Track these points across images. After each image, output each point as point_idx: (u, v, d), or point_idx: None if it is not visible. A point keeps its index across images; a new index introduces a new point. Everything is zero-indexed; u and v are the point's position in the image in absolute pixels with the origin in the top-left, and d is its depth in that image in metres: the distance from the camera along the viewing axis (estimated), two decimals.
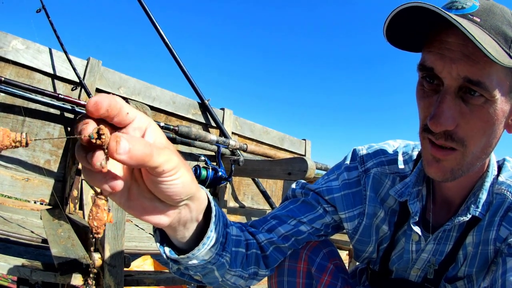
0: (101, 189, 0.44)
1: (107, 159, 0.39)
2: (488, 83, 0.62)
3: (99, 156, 0.39)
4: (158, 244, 0.64)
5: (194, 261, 0.64)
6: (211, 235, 0.64)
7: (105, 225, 0.43)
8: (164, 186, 0.47)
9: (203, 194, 0.60)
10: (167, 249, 0.64)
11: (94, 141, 0.38)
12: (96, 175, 0.43)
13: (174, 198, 0.50)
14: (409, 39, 0.71)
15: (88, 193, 2.21)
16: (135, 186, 0.50)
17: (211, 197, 0.64)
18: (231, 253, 0.73)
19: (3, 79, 1.75)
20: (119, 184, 0.43)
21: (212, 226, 0.63)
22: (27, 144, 0.38)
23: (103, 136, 0.38)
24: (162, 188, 0.47)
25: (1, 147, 0.37)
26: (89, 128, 0.39)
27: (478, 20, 0.63)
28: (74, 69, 2.25)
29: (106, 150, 0.39)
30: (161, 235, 0.64)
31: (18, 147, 0.38)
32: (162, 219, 0.53)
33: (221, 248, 0.69)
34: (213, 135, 2.49)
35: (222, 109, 3.15)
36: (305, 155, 3.84)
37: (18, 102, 2.06)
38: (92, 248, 1.22)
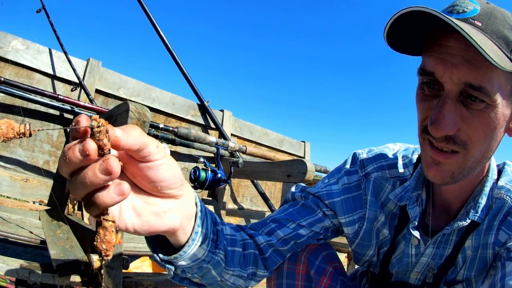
0: (106, 210, 0.43)
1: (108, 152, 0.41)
2: (489, 88, 0.62)
3: (93, 145, 0.40)
4: (152, 252, 0.65)
5: (188, 261, 0.65)
6: (199, 230, 0.64)
7: (114, 247, 0.43)
8: (156, 171, 0.48)
9: (191, 189, 0.62)
10: (160, 254, 0.64)
11: (96, 128, 0.39)
12: (102, 192, 0.42)
13: (170, 184, 0.51)
14: (410, 43, 0.71)
15: None
16: (137, 200, 0.51)
17: (195, 193, 0.65)
18: (226, 252, 0.73)
19: (2, 79, 1.75)
20: (126, 187, 0.43)
21: (198, 221, 0.63)
22: (30, 135, 0.39)
23: (101, 127, 0.39)
24: (155, 173, 0.48)
25: (6, 139, 0.38)
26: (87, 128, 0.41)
27: (480, 24, 0.63)
28: (74, 70, 2.25)
29: (104, 143, 0.40)
30: (153, 243, 0.65)
31: (22, 137, 0.39)
32: (174, 218, 0.55)
33: (213, 245, 0.69)
34: (213, 137, 2.49)
35: (222, 110, 3.15)
36: (304, 157, 3.84)
37: (18, 102, 2.06)
38: (93, 254, 1.21)
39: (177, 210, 0.55)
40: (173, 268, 0.66)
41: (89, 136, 0.40)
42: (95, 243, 0.42)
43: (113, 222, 0.43)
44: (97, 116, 0.40)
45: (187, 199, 0.58)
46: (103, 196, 0.42)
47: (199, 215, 0.63)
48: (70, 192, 0.46)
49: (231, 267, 0.76)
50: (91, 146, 0.39)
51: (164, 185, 0.51)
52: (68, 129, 0.40)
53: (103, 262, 0.44)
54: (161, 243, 0.65)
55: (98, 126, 0.39)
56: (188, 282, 0.75)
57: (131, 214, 0.50)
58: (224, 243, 0.74)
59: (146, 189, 0.51)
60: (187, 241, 0.62)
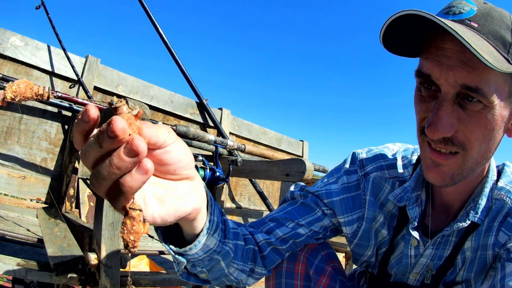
0: (132, 198, 0.41)
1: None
2: (486, 89, 0.62)
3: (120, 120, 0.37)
4: (163, 243, 0.64)
5: (200, 253, 0.64)
6: (212, 219, 0.64)
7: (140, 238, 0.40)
8: (171, 154, 0.47)
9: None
10: (172, 246, 0.63)
11: (116, 104, 0.37)
12: (126, 177, 0.40)
13: (187, 163, 0.51)
14: (406, 45, 0.71)
15: (85, 192, 2.20)
16: (157, 188, 0.50)
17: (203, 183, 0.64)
18: (232, 242, 0.73)
19: (1, 75, 1.74)
20: (149, 164, 0.40)
21: (210, 209, 0.63)
22: (48, 98, 0.38)
23: (120, 103, 0.37)
24: (172, 156, 0.48)
25: (23, 98, 0.37)
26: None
27: (476, 25, 0.63)
28: (73, 67, 2.24)
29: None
30: (164, 234, 0.64)
31: (40, 100, 0.38)
32: (195, 198, 0.55)
33: (222, 235, 0.69)
34: (211, 135, 2.48)
35: (220, 109, 3.14)
36: (302, 156, 3.84)
37: None
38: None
39: (196, 191, 0.55)
40: (184, 261, 0.65)
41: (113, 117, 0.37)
42: (121, 234, 0.39)
43: (140, 210, 0.41)
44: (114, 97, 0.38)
45: (199, 181, 0.57)
46: (128, 181, 0.39)
47: (210, 203, 0.63)
48: (92, 188, 0.44)
49: (236, 260, 0.76)
50: (121, 124, 0.36)
51: (183, 165, 0.50)
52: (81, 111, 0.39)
53: (129, 254, 0.41)
54: (171, 239, 0.65)
55: (120, 102, 0.37)
56: (194, 278, 0.75)
57: (155, 204, 0.49)
58: (231, 233, 0.74)
59: (163, 174, 0.50)
60: (201, 230, 0.62)
